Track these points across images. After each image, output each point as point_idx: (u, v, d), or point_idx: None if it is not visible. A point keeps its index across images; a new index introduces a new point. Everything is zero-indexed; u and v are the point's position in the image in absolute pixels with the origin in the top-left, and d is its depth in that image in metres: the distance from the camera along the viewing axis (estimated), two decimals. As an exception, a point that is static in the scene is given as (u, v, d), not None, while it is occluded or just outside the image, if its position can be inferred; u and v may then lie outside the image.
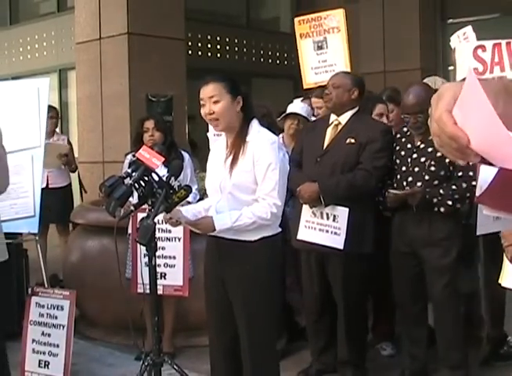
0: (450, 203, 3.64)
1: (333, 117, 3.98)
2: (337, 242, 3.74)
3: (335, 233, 3.74)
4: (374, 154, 3.82)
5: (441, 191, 3.66)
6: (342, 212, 3.74)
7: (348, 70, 4.75)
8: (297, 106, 4.90)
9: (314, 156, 3.92)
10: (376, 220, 3.91)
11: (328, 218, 3.78)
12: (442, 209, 3.66)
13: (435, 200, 3.66)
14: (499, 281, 3.38)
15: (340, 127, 3.93)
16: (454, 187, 3.65)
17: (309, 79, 5.14)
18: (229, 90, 3.03)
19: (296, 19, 5.22)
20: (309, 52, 5.11)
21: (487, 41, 4.02)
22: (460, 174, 3.69)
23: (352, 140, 3.84)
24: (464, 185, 3.64)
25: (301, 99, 5.22)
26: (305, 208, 3.86)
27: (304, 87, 5.20)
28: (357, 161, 3.84)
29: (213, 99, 3.01)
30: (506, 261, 3.28)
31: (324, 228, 3.78)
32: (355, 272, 3.86)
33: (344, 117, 3.93)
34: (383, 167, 3.87)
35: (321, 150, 3.91)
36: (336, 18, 4.99)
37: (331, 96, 3.92)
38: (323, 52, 5.06)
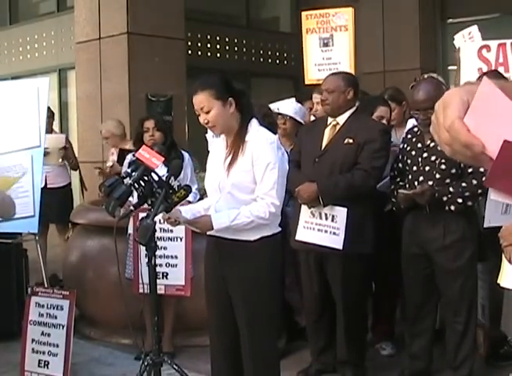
0: (460, 200, 3.56)
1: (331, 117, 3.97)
2: (336, 242, 3.73)
3: (334, 233, 3.74)
4: (373, 154, 3.81)
5: (450, 189, 3.59)
6: (340, 212, 3.74)
7: (352, 69, 4.73)
8: (289, 106, 4.87)
9: (312, 156, 3.92)
10: (377, 220, 3.91)
11: (327, 219, 3.77)
12: (453, 207, 3.58)
13: (445, 198, 3.59)
14: (498, 281, 3.38)
15: (338, 127, 3.93)
16: (464, 184, 3.58)
17: (312, 75, 5.12)
18: (218, 96, 3.01)
19: (303, 14, 5.19)
20: (314, 48, 5.08)
21: (491, 41, 4.00)
22: (470, 170, 3.59)
23: (350, 140, 3.84)
24: (475, 182, 3.55)
25: (294, 98, 5.17)
26: (304, 209, 3.86)
27: (306, 82, 5.17)
28: (355, 161, 3.83)
29: (204, 109, 3.02)
30: (504, 261, 3.27)
31: (323, 228, 3.78)
32: (354, 272, 3.85)
33: (342, 118, 3.92)
34: (381, 167, 3.87)
35: (319, 150, 3.91)
36: (344, 16, 4.96)
37: (328, 102, 3.91)
38: (329, 49, 5.03)
